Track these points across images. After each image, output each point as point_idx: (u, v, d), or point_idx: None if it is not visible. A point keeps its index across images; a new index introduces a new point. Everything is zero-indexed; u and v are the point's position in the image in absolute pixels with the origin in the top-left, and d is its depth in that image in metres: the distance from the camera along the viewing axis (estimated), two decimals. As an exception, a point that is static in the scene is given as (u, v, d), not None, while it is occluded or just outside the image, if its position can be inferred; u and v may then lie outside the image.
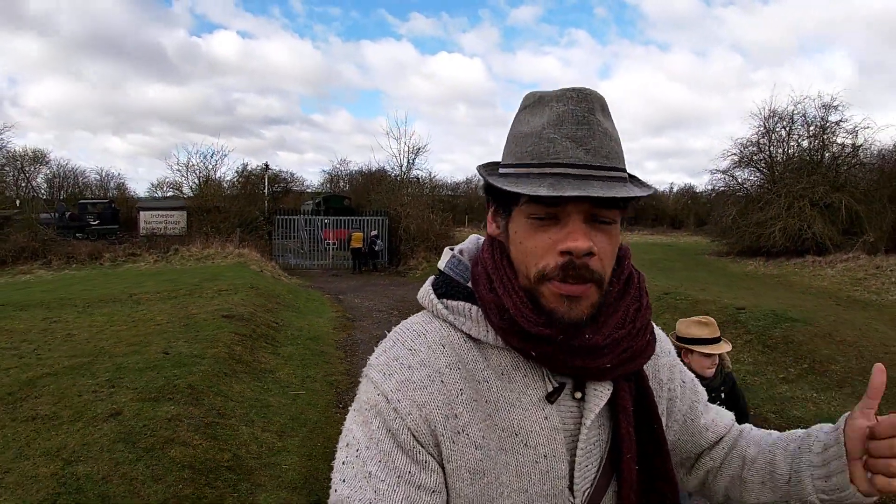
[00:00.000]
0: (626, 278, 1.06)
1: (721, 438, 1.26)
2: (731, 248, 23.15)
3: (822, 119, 22.27)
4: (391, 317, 11.78)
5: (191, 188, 28.61)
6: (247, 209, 25.10)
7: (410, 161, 28.09)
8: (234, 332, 7.89)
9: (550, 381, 0.98)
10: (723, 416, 1.30)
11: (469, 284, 1.05)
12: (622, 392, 1.02)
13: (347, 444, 0.94)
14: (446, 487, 0.93)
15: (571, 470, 0.98)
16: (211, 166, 28.50)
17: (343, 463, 0.93)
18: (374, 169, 33.26)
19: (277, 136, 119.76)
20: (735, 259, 21.67)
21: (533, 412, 0.96)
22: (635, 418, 1.04)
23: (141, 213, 25.78)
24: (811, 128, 22.73)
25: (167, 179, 33.83)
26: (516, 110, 1.03)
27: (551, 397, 0.97)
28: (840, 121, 21.97)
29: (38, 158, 32.34)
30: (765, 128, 23.63)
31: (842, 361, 7.37)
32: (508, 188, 0.91)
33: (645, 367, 1.08)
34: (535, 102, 0.98)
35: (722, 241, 23.94)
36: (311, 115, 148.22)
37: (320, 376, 7.23)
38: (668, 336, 2.84)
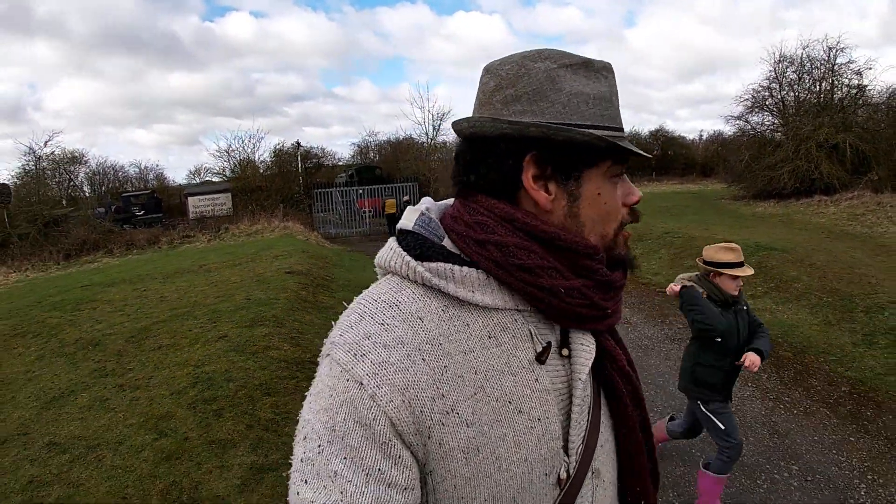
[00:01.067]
0: None
1: None
2: (745, 192, 23.64)
3: (829, 61, 22.55)
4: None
5: (232, 171, 30.07)
6: (287, 186, 26.72)
7: (436, 127, 29.33)
8: (297, 282, 9.52)
9: (538, 341, 0.94)
10: None
11: (444, 243, 0.97)
12: (608, 341, 1.03)
13: (306, 438, 0.84)
14: (425, 482, 0.87)
15: (566, 430, 0.96)
16: (249, 149, 29.96)
17: (302, 460, 0.83)
18: (401, 138, 34.36)
19: (301, 113, 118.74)
20: (749, 202, 22.17)
21: (523, 376, 0.92)
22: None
23: (189, 198, 27.37)
24: (819, 70, 22.97)
25: (204, 165, 35.29)
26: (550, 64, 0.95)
27: (541, 357, 0.93)
28: (848, 62, 22.29)
29: (77, 159, 33.65)
30: (775, 72, 23.94)
31: (805, 280, 8.32)
32: (629, 147, 0.94)
33: None
34: (583, 65, 0.95)
35: (738, 186, 24.42)
36: (334, 88, 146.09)
37: None
38: (692, 277, 3.74)
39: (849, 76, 22.56)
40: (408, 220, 1.01)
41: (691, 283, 3.93)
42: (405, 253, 0.93)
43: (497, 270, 0.92)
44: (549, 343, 0.96)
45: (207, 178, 36.42)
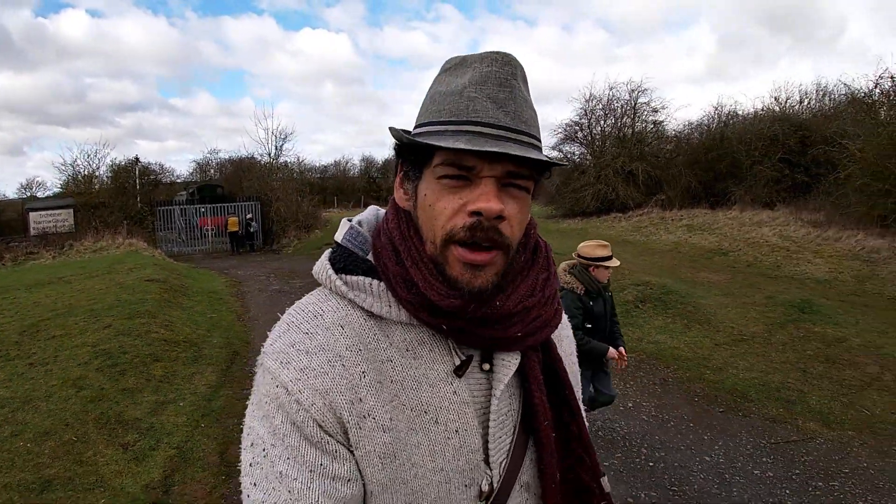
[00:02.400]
0: (533, 247, 1.06)
1: None
2: (556, 212, 27.60)
3: (631, 101, 26.77)
4: (269, 279, 14.96)
5: (76, 185, 29.61)
6: (131, 203, 27.12)
7: (278, 148, 30.54)
8: (158, 287, 11.05)
9: (457, 355, 0.96)
10: None
11: (369, 257, 1.01)
12: (531, 362, 1.02)
13: (252, 444, 0.91)
14: (360, 474, 0.91)
15: (486, 443, 0.97)
16: (94, 164, 29.83)
17: (251, 465, 0.89)
18: (243, 156, 34.96)
19: (135, 124, 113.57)
20: (559, 220, 25.76)
21: (441, 388, 0.94)
22: (547, 386, 1.04)
23: (30, 213, 27.08)
24: (622, 108, 27.17)
25: (36, 178, 34.28)
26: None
27: (459, 371, 0.95)
28: (647, 101, 26.60)
29: None
30: (585, 110, 27.92)
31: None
32: (424, 140, 0.88)
33: (552, 336, 1.10)
34: (456, 64, 0.95)
35: (551, 207, 28.39)
36: (171, 98, 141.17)
37: (224, 308, 10.76)
38: (571, 259, 4.80)
39: (647, 113, 26.75)
40: (339, 233, 1.05)
41: (563, 291, 4.69)
42: (329, 266, 0.98)
43: (393, 293, 0.95)
44: (470, 357, 0.96)
45: (41, 193, 35.54)
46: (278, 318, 1.01)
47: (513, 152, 0.84)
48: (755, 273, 12.19)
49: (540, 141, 0.96)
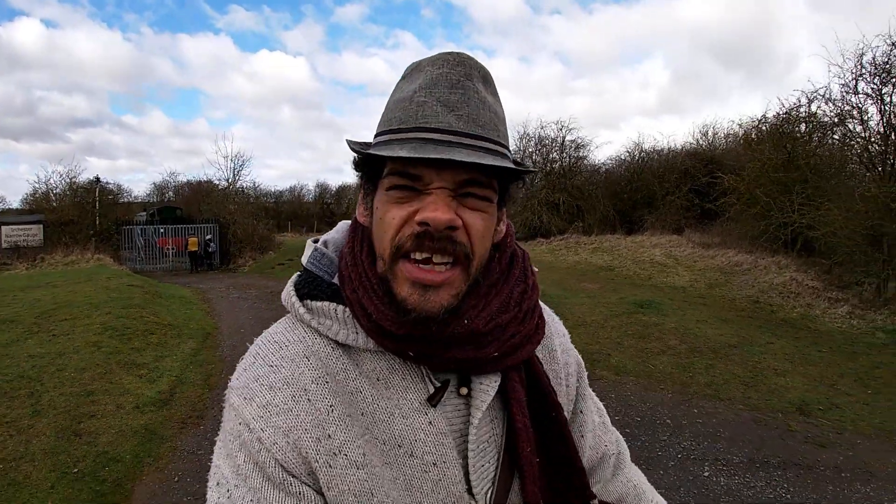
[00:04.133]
0: (509, 258, 1.00)
1: (604, 455, 1.21)
2: None
3: (560, 138, 29.75)
4: (229, 290, 17.13)
5: (34, 202, 31.13)
6: (101, 221, 28.86)
7: (236, 174, 32.47)
8: (140, 290, 13.41)
9: (431, 382, 0.91)
10: (609, 430, 1.24)
11: (336, 280, 0.97)
12: (512, 382, 0.96)
13: (217, 484, 0.88)
14: None
15: (467, 473, 0.92)
16: (63, 183, 31.33)
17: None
18: (202, 180, 36.70)
19: (85, 140, 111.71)
20: None
21: (415, 419, 0.89)
22: (531, 407, 0.98)
23: (2, 227, 28.60)
24: (551, 145, 30.09)
25: None
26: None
27: (433, 399, 0.90)
28: (573, 139, 29.61)
29: None
30: (518, 146, 30.50)
31: None
32: (368, 151, 0.85)
33: (537, 351, 1.04)
34: (412, 70, 0.90)
35: None
36: (123, 116, 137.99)
37: (194, 307, 13.11)
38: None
39: (572, 149, 29.66)
40: (304, 255, 1.01)
41: None
42: (293, 292, 0.94)
43: (358, 321, 0.90)
44: (445, 382, 0.91)
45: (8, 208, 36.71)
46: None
47: (458, 158, 0.77)
48: (626, 283, 14.84)
49: (504, 145, 0.88)
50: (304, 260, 1.01)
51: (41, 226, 28.56)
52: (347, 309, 0.91)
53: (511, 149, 0.94)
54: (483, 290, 0.93)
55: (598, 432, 1.19)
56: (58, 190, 31.45)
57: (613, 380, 7.77)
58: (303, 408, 0.86)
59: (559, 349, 1.14)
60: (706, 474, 5.14)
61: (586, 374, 1.21)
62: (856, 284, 13.24)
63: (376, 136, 0.90)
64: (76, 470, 5.01)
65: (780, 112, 18.17)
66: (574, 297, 12.64)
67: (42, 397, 6.55)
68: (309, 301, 0.93)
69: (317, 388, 0.87)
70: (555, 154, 30.04)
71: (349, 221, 1.06)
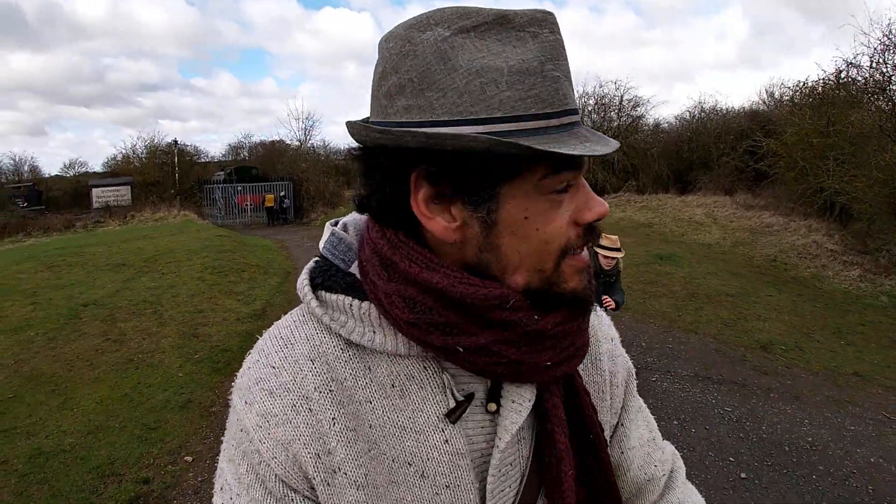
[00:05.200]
0: None
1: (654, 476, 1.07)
2: None
3: (619, 97, 30.36)
4: (304, 240, 19.19)
5: (114, 164, 33.92)
6: (185, 180, 31.45)
7: (307, 135, 34.73)
8: (228, 240, 15.71)
9: (453, 395, 0.80)
10: (659, 447, 1.10)
11: (353, 269, 0.85)
12: (553, 398, 0.84)
13: (221, 488, 0.83)
14: None
15: (483, 497, 0.83)
16: (153, 147, 34.40)
17: None
18: (275, 140, 39.27)
19: (156, 104, 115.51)
20: None
21: (429, 435, 0.80)
22: (571, 425, 0.87)
23: (93, 189, 31.54)
24: (610, 104, 30.68)
25: (78, 159, 37.90)
26: (437, 35, 0.68)
27: (452, 415, 0.79)
28: (631, 98, 30.13)
29: None
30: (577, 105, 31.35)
31: None
32: (552, 149, 0.66)
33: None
34: (495, 23, 0.68)
35: None
36: (192, 79, 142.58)
37: (275, 253, 15.45)
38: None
39: (629, 109, 30.28)
40: (322, 239, 0.91)
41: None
42: (307, 281, 0.84)
43: (387, 317, 0.78)
44: (470, 396, 0.81)
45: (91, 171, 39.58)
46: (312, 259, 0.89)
47: (612, 148, 0.71)
48: (659, 239, 16.17)
49: None
50: (321, 245, 0.90)
51: (129, 187, 31.27)
52: (365, 304, 0.79)
53: None
54: None
55: (647, 450, 1.06)
56: (140, 153, 34.26)
57: (612, 314, 9.13)
58: (303, 419, 0.77)
59: (606, 356, 1.02)
60: (654, 379, 6.60)
61: (636, 382, 1.10)
62: (876, 251, 13.62)
63: (495, 120, 0.67)
64: (197, 356, 7.05)
65: (821, 78, 18.55)
66: None
67: (164, 314, 8.57)
68: (322, 293, 0.82)
69: (320, 397, 0.78)
70: (612, 113, 30.60)
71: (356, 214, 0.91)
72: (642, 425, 1.08)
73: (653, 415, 1.16)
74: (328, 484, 0.79)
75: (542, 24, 0.70)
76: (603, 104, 30.65)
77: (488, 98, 0.67)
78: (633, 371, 1.10)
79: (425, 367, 0.81)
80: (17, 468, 4.68)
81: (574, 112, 0.73)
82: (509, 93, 0.68)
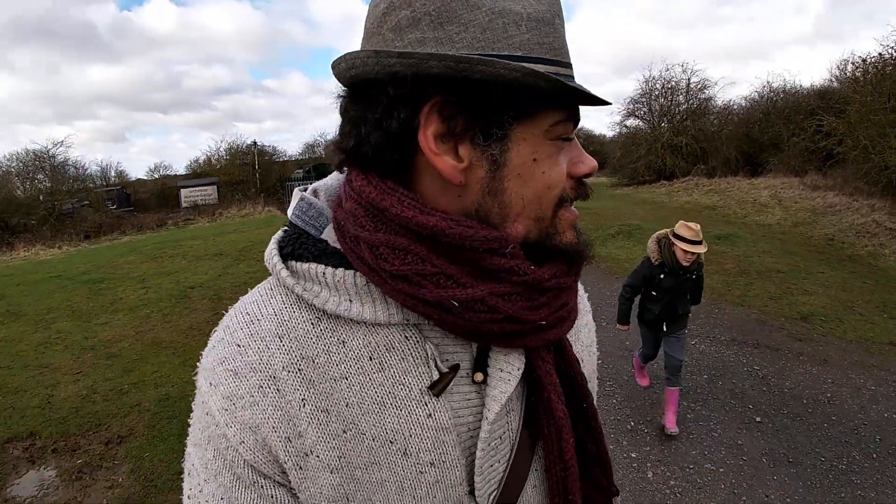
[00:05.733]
0: None
1: None
2: (619, 182, 31.41)
3: (685, 80, 30.37)
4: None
5: (197, 166, 36.05)
6: (266, 178, 33.20)
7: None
8: None
9: (437, 366, 0.77)
10: None
11: (324, 235, 0.82)
12: (544, 364, 0.82)
13: (189, 473, 0.81)
14: None
15: (471, 473, 0.81)
16: (234, 149, 36.54)
17: (188, 497, 0.80)
18: None
19: (231, 107, 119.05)
20: (622, 188, 29.55)
21: (411, 410, 0.77)
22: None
23: (181, 190, 33.56)
24: (677, 87, 30.66)
25: (163, 162, 40.18)
26: None
27: (435, 387, 0.76)
28: (698, 81, 30.17)
29: (39, 157, 32.86)
30: (643, 89, 31.52)
31: (584, 220, 15.40)
32: (582, 88, 0.70)
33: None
34: None
35: (616, 177, 32.29)
36: (263, 81, 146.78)
37: None
38: (662, 234, 5.10)
39: (696, 91, 30.27)
40: (290, 206, 0.87)
41: (646, 256, 5.02)
42: (276, 250, 0.80)
43: (372, 276, 0.74)
44: (454, 367, 0.78)
45: (167, 174, 42.14)
46: None
47: (608, 101, 0.73)
48: (720, 220, 16.52)
49: None
50: (289, 212, 0.86)
51: (215, 186, 33.13)
52: (339, 271, 0.75)
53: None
54: None
55: None
56: (223, 155, 36.57)
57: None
58: (271, 401, 0.74)
59: (586, 328, 1.03)
60: (693, 342, 7.13)
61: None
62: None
63: (518, 58, 0.68)
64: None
65: (879, 53, 18.46)
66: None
67: None
68: (293, 262, 0.78)
69: (288, 377, 0.74)
70: (680, 97, 30.64)
71: (336, 172, 0.88)
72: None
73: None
74: (300, 468, 0.76)
75: None
76: (670, 88, 30.74)
77: (511, 37, 0.68)
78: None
79: (406, 337, 0.77)
80: (148, 409, 5.98)
81: (570, 65, 0.74)
82: (528, 35, 0.69)
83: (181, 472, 0.85)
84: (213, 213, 27.94)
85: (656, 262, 4.94)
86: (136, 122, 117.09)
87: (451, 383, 0.79)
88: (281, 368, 0.75)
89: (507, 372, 0.80)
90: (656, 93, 31.24)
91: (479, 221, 0.73)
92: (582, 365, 0.93)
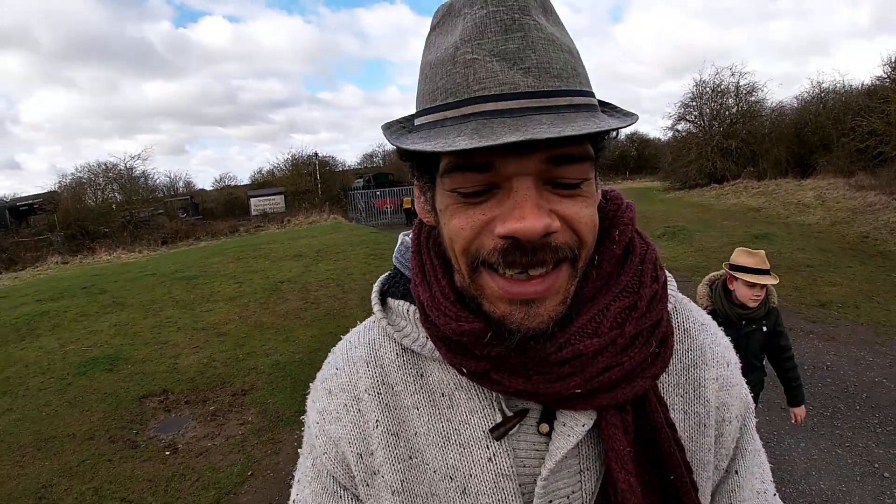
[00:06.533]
0: (622, 252, 0.78)
1: None
2: (671, 185, 31.61)
3: (734, 83, 30.58)
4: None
5: (259, 176, 38.20)
6: (328, 188, 35.15)
7: (436, 141, 37.54)
8: (378, 235, 18.34)
9: (502, 410, 0.77)
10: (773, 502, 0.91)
11: None
12: (609, 427, 0.74)
13: (298, 480, 0.90)
14: None
15: None
16: (297, 160, 38.80)
17: (293, 502, 0.89)
18: None
19: (287, 119, 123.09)
20: (674, 192, 29.98)
21: (473, 450, 0.77)
22: (641, 463, 0.76)
23: (251, 199, 35.67)
24: (726, 90, 30.87)
25: (228, 173, 42.55)
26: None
27: (496, 431, 0.76)
28: (747, 83, 30.32)
29: (110, 169, 34.61)
30: (693, 93, 31.76)
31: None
32: (410, 147, 0.65)
33: (675, 384, 0.83)
34: (444, 16, 0.70)
35: (668, 181, 32.49)
36: (318, 93, 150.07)
37: None
38: (716, 276, 3.75)
39: (744, 95, 30.39)
40: (395, 249, 0.93)
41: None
42: (377, 288, 0.88)
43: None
44: (521, 412, 0.76)
45: (231, 184, 44.38)
46: None
47: (543, 134, 0.56)
48: (762, 221, 17.34)
49: (589, 91, 0.67)
50: (394, 253, 0.92)
51: (283, 196, 35.01)
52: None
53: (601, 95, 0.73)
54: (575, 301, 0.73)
55: None
56: (285, 167, 38.94)
57: (696, 279, 10.59)
58: (351, 418, 0.82)
59: (714, 384, 0.85)
60: None
61: (755, 420, 0.92)
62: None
63: (419, 114, 0.70)
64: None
65: None
66: (709, 230, 15.54)
67: (345, 286, 11.34)
68: (389, 299, 0.86)
69: (368, 399, 0.81)
70: (729, 100, 30.76)
71: None
72: (756, 474, 0.90)
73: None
74: (368, 485, 0.81)
75: (476, 2, 0.64)
76: (720, 91, 30.84)
77: (421, 93, 0.70)
78: (752, 406, 0.91)
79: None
80: (263, 371, 7.41)
81: (496, 98, 0.61)
82: (427, 86, 0.68)
83: (300, 412, 0.98)
84: (281, 221, 29.54)
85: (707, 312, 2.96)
86: (196, 134, 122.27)
87: (516, 430, 0.76)
88: (364, 391, 0.82)
89: (569, 427, 0.74)
90: (706, 96, 31.48)
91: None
92: (694, 430, 0.83)
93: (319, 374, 0.90)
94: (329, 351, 0.94)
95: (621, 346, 0.71)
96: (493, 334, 0.70)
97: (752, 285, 3.49)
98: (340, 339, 0.94)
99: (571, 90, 0.64)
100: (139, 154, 34.71)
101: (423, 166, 0.73)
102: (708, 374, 0.85)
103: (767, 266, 3.53)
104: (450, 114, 0.64)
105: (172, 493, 4.83)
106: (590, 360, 0.70)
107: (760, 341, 3.65)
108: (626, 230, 0.78)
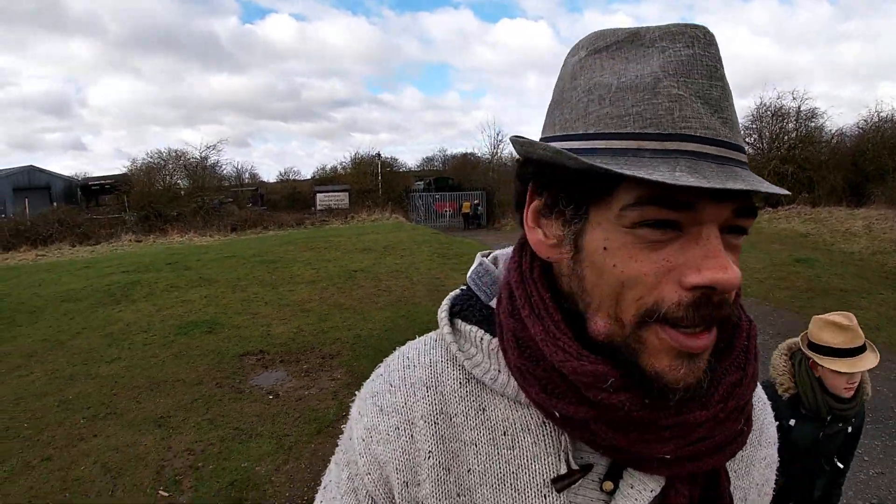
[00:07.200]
0: (731, 330, 0.73)
1: None
2: None
3: (796, 108, 30.65)
4: (499, 241, 22.48)
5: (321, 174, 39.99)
6: (389, 188, 36.83)
7: (496, 148, 39.50)
8: (440, 236, 19.63)
9: (567, 461, 0.71)
10: None
11: (492, 303, 0.80)
12: (677, 495, 0.70)
13: (325, 487, 0.87)
14: None
15: None
16: (359, 160, 40.54)
17: None
18: (466, 153, 45.14)
19: (348, 118, 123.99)
20: None
21: (529, 498, 0.72)
22: None
23: (317, 194, 37.39)
24: (787, 116, 30.99)
25: (293, 168, 44.39)
26: (570, 56, 0.69)
27: (559, 483, 0.70)
28: (809, 109, 30.32)
29: (181, 156, 35.77)
30: (753, 115, 31.81)
31: None
32: (609, 167, 0.57)
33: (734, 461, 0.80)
34: (626, 41, 0.64)
35: None
36: (379, 94, 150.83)
37: (479, 246, 18.60)
38: (795, 345, 2.77)
39: (804, 120, 30.40)
40: (471, 269, 0.88)
41: (767, 381, 2.85)
42: (447, 306, 0.83)
43: (505, 355, 0.75)
44: (587, 466, 0.71)
45: (293, 178, 46.60)
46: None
47: (763, 189, 0.57)
48: (808, 247, 17.87)
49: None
50: (468, 274, 0.87)
51: (347, 193, 36.57)
52: (495, 340, 0.75)
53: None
54: None
55: None
56: (347, 165, 40.73)
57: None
58: (402, 443, 0.77)
59: (762, 463, 0.86)
60: None
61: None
62: None
63: (577, 136, 0.64)
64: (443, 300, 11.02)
65: None
66: (753, 251, 16.11)
67: (412, 278, 12.53)
68: (459, 321, 0.80)
69: (424, 427, 0.76)
70: (789, 124, 30.63)
71: None
72: None
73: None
74: None
75: (677, 38, 0.61)
76: (780, 115, 30.89)
77: (588, 114, 0.63)
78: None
79: (545, 422, 0.73)
80: (347, 341, 8.48)
81: (703, 141, 0.58)
82: (608, 109, 0.62)
83: None
84: (345, 217, 30.74)
85: (786, 397, 2.78)
86: (259, 128, 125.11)
87: (579, 484, 0.71)
88: (420, 416, 0.77)
89: (636, 490, 0.70)
90: (766, 119, 31.57)
91: (572, 304, 0.68)
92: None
93: (369, 385, 0.85)
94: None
95: (720, 419, 0.67)
96: (633, 385, 0.63)
97: (845, 376, 2.57)
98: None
99: (743, 148, 0.63)
100: (214, 144, 36.37)
101: (582, 194, 0.64)
102: (760, 453, 0.84)
103: (863, 340, 2.60)
104: (647, 144, 0.59)
105: (279, 425, 6.02)
106: (691, 429, 0.65)
107: (841, 442, 2.79)
108: (738, 301, 0.70)
